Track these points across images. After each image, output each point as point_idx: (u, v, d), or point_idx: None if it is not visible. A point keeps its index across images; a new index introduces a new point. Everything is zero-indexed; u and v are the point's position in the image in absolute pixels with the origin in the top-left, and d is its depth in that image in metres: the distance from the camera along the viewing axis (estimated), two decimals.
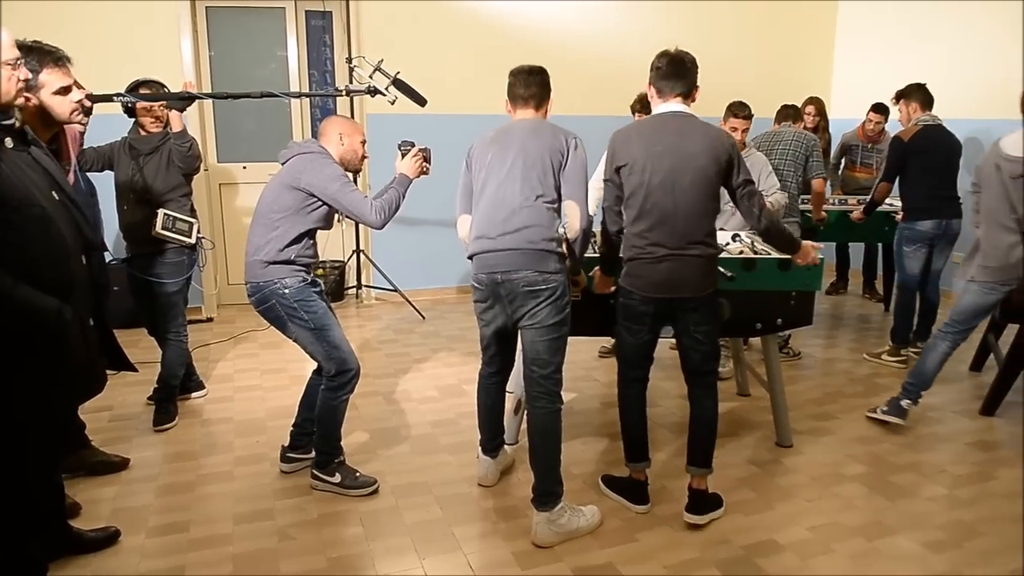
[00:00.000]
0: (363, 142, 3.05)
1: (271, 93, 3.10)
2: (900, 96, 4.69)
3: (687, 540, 2.75)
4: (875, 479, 3.25)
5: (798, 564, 2.62)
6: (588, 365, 4.64)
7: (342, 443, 3.08)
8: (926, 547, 2.74)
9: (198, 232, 3.69)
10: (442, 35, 5.86)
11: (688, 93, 2.73)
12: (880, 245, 6.11)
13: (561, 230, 2.73)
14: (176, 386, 3.80)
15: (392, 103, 3.19)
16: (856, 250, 6.58)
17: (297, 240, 2.87)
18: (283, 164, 2.93)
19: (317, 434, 3.05)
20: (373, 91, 3.12)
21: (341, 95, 3.17)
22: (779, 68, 7.09)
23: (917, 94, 4.60)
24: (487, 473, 3.11)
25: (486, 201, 2.72)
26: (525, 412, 3.49)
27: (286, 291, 2.86)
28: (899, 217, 4.90)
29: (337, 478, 3.02)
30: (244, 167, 5.67)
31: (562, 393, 2.79)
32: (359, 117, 5.69)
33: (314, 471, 3.06)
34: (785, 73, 7.06)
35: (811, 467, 3.36)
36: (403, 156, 3.02)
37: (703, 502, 2.87)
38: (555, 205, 2.70)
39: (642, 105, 4.23)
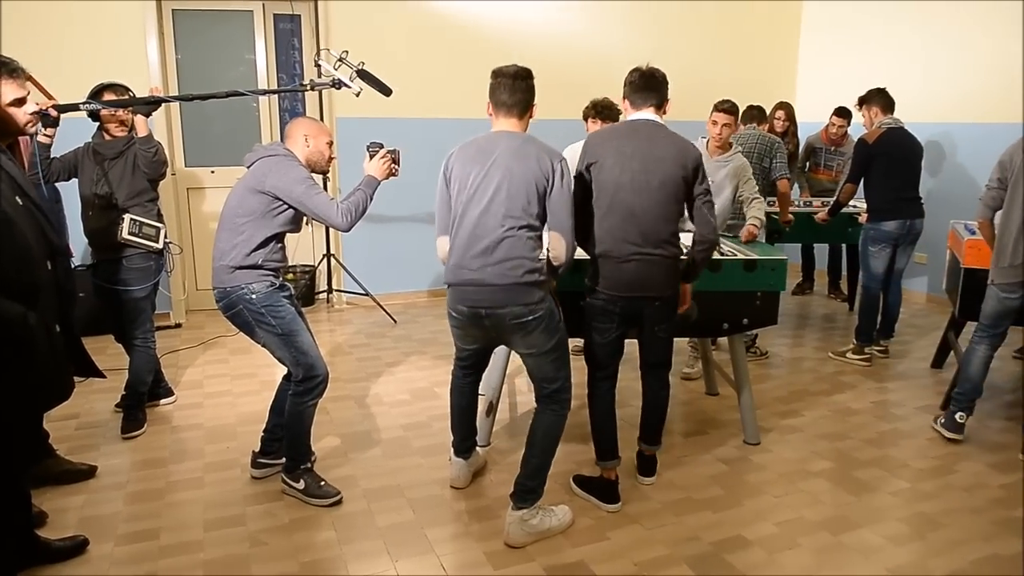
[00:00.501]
0: (329, 143, 3.02)
1: (237, 92, 3.08)
2: (862, 102, 4.80)
3: (657, 537, 2.79)
4: (840, 474, 3.32)
5: (765, 559, 2.67)
6: None
7: (313, 448, 3.08)
8: (889, 540, 2.80)
9: (165, 237, 3.66)
10: (413, 38, 5.87)
11: (660, 105, 2.88)
12: (844, 246, 6.23)
13: (543, 256, 2.68)
14: (144, 393, 3.76)
15: (357, 95, 3.17)
16: (821, 251, 6.70)
17: (264, 244, 2.85)
18: (248, 167, 2.91)
19: (285, 439, 3.04)
20: (338, 83, 3.10)
21: (306, 89, 3.15)
22: (744, 72, 7.19)
23: (878, 99, 4.72)
24: (459, 475, 3.13)
25: (466, 228, 2.61)
26: (496, 413, 3.54)
27: (253, 296, 2.84)
28: (862, 218, 5.01)
29: (302, 485, 2.99)
30: (212, 171, 5.62)
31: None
32: (328, 119, 5.67)
33: (282, 476, 3.05)
34: (750, 77, 7.16)
35: (778, 464, 3.42)
36: (371, 157, 2.98)
37: (653, 465, 3.21)
38: (538, 233, 2.64)
39: (596, 112, 4.16)
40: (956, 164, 6.08)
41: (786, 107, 5.78)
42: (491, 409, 3.50)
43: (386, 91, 3.21)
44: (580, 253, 3.08)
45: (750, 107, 4.94)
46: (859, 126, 5.20)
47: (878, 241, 4.64)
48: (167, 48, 5.42)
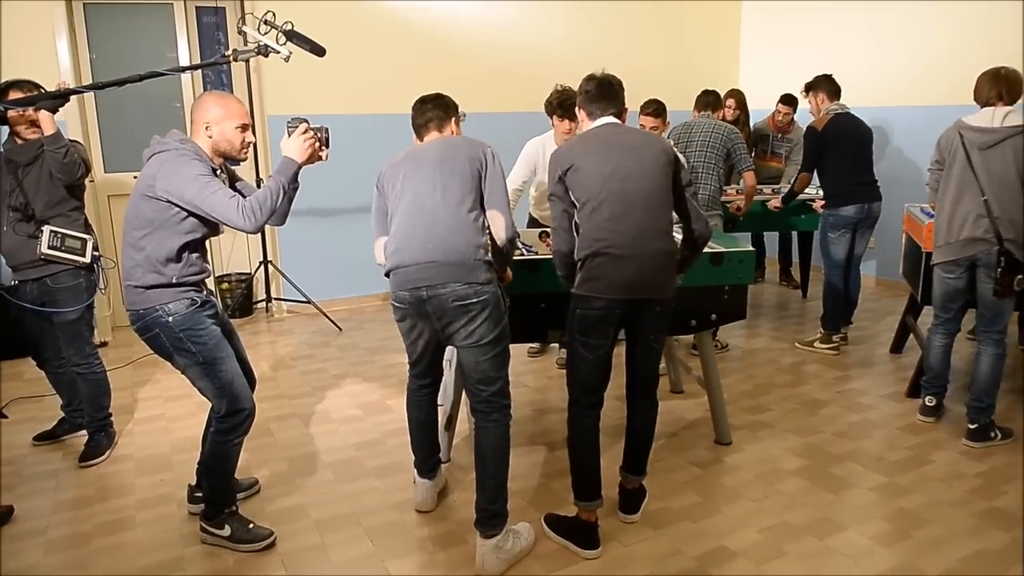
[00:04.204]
0: (242, 126, 2.55)
1: (155, 73, 2.74)
2: (808, 88, 4.74)
3: (638, 555, 2.60)
4: (816, 472, 3.20)
5: (753, 570, 2.51)
6: (516, 370, 4.46)
7: (255, 476, 2.80)
8: (875, 541, 2.68)
9: (94, 249, 3.30)
10: (344, 32, 5.56)
11: (619, 114, 2.65)
12: (795, 233, 6.19)
13: (486, 238, 2.55)
14: (104, 417, 3.44)
15: (287, 59, 2.84)
16: (771, 239, 6.66)
17: (176, 258, 2.47)
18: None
19: (206, 482, 2.69)
20: (265, 49, 2.76)
21: (229, 61, 2.80)
22: (686, 61, 7.11)
23: (824, 85, 4.66)
24: (426, 498, 2.87)
25: (404, 211, 2.51)
26: (456, 425, 3.31)
27: (170, 319, 2.47)
28: (816, 205, 4.95)
29: (227, 531, 2.64)
30: (135, 176, 5.21)
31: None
32: (259, 118, 5.32)
33: (202, 523, 2.69)
34: (692, 66, 7.08)
35: (753, 464, 3.28)
36: (289, 135, 2.51)
37: (636, 499, 2.85)
38: (478, 213, 2.52)
39: (559, 103, 3.88)
40: (898, 148, 6.10)
41: (737, 95, 5.69)
42: (451, 422, 3.27)
43: (319, 51, 2.91)
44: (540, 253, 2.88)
45: (705, 92, 4.77)
46: (804, 113, 5.15)
47: (837, 227, 4.57)
48: (79, 46, 5.01)
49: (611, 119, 2.63)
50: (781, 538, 2.70)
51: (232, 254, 5.61)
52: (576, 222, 2.60)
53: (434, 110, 2.65)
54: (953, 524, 2.79)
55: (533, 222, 4.43)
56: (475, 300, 2.43)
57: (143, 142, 2.64)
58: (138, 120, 5.26)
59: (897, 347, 4.75)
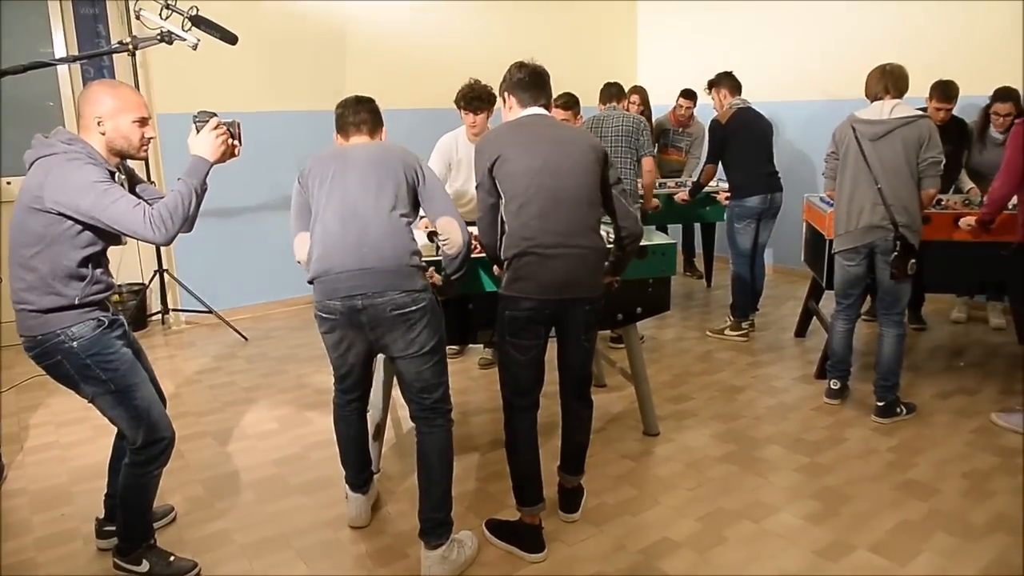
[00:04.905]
0: (140, 120, 2.27)
1: (40, 63, 2.48)
2: (711, 85, 4.87)
3: (582, 554, 2.58)
4: (742, 457, 3.28)
5: (697, 560, 2.53)
6: None
7: (170, 503, 2.58)
8: (807, 520, 2.76)
9: None
10: (246, 25, 5.27)
11: (548, 105, 2.64)
12: (698, 225, 6.36)
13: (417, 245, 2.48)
14: None
15: (194, 47, 2.63)
16: (674, 230, 6.82)
17: (76, 276, 2.19)
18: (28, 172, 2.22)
19: (120, 517, 2.44)
20: (169, 36, 2.53)
21: (128, 50, 2.55)
22: (586, 60, 7.16)
23: (726, 81, 4.81)
24: (360, 513, 2.74)
25: (333, 213, 2.37)
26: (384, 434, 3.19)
27: (74, 344, 2.20)
28: (720, 197, 5.09)
29: (145, 566, 2.42)
30: (8, 183, 4.79)
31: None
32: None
33: (116, 559, 2.45)
34: (592, 65, 7.14)
35: (682, 453, 3.32)
36: (198, 132, 2.28)
37: (575, 498, 2.82)
38: (410, 220, 2.46)
39: (462, 96, 3.84)
40: (788, 141, 6.37)
41: (640, 91, 5.78)
42: (379, 431, 3.14)
43: (230, 38, 2.72)
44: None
45: (608, 84, 4.80)
46: (704, 108, 5.29)
47: (743, 217, 4.72)
48: None
49: (540, 110, 2.58)
50: (719, 524, 2.74)
51: (122, 263, 5.22)
52: (502, 217, 2.55)
53: (370, 114, 2.59)
54: (875, 498, 2.91)
55: None
56: (414, 308, 2.34)
57: (17, 145, 2.36)
58: (10, 122, 4.81)
59: (801, 331, 4.95)
